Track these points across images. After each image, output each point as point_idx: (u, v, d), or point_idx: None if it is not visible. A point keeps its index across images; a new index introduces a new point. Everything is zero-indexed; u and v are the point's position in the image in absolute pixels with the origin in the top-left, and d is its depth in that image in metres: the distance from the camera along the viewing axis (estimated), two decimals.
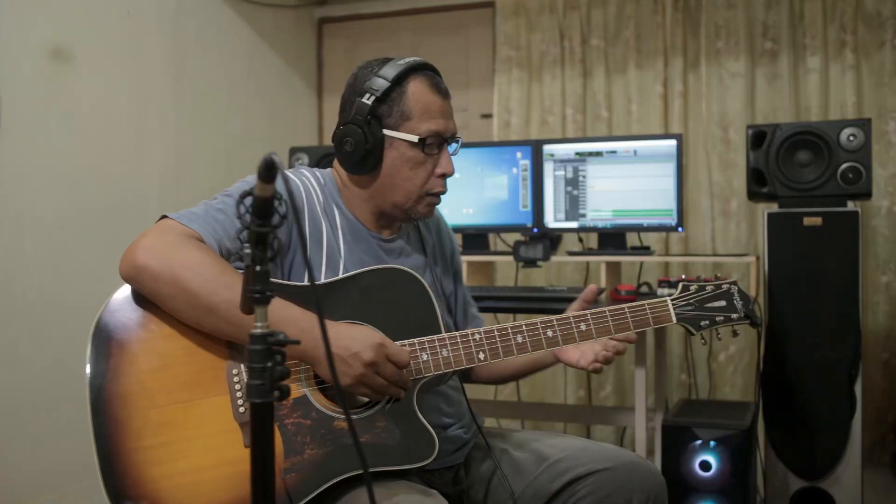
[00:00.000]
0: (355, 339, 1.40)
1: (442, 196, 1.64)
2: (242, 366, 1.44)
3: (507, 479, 1.63)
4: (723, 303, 1.62)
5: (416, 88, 1.58)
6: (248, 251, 1.05)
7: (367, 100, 1.56)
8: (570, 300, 2.68)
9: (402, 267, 1.58)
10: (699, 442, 2.61)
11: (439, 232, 1.82)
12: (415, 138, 1.56)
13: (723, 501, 2.58)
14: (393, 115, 1.57)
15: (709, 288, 1.63)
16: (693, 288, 1.63)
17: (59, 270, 3.04)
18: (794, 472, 2.79)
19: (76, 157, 3.14)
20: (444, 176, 1.62)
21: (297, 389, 1.45)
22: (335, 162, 1.67)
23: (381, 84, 1.56)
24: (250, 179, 1.51)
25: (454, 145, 1.64)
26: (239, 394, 1.43)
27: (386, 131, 1.57)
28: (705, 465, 2.60)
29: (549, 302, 2.70)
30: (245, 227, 1.06)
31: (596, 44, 4.07)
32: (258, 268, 1.05)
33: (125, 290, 1.44)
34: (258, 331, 1.04)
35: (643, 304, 1.59)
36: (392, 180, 1.59)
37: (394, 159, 1.58)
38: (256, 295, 1.04)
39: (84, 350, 1.41)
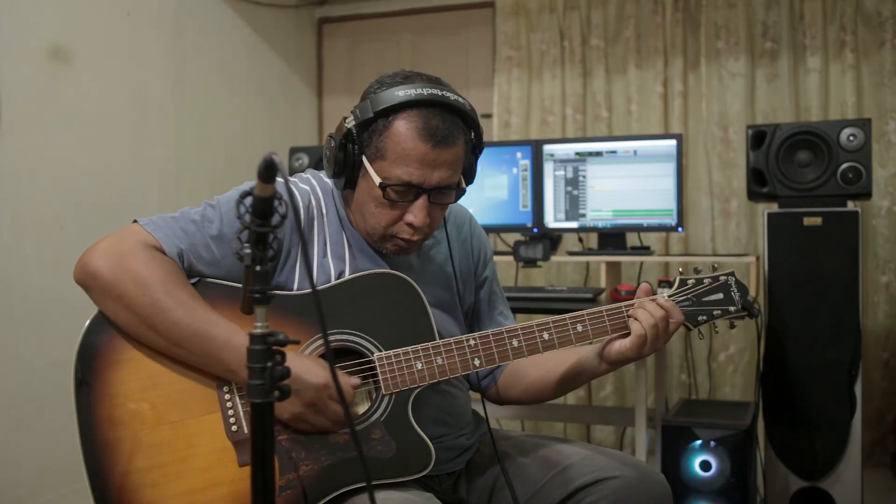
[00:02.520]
0: (298, 378, 1.33)
1: (413, 241, 1.50)
2: (234, 383, 1.41)
3: (513, 486, 1.58)
4: (720, 295, 1.57)
5: (402, 128, 1.42)
6: (247, 251, 1.05)
7: (347, 122, 1.46)
8: (570, 300, 2.70)
9: (395, 272, 1.52)
10: (699, 442, 2.61)
11: (464, 242, 1.71)
12: (377, 181, 1.44)
13: (723, 501, 2.58)
14: (371, 147, 1.45)
15: (706, 281, 1.58)
16: (690, 282, 1.58)
17: (59, 270, 3.04)
18: (794, 472, 2.79)
19: (76, 157, 3.14)
20: (411, 225, 1.47)
21: None
22: None
23: (364, 111, 1.44)
24: (243, 188, 1.48)
25: (450, 195, 1.49)
26: (231, 412, 1.40)
27: (364, 158, 1.46)
28: (705, 465, 2.60)
29: (549, 302, 2.70)
30: (245, 227, 1.06)
31: (596, 44, 4.07)
32: (258, 268, 1.05)
33: None
34: (258, 331, 1.04)
35: (642, 307, 1.52)
36: (360, 209, 1.50)
37: (364, 190, 1.48)
38: (256, 295, 1.04)
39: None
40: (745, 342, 3.76)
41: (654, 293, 1.56)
